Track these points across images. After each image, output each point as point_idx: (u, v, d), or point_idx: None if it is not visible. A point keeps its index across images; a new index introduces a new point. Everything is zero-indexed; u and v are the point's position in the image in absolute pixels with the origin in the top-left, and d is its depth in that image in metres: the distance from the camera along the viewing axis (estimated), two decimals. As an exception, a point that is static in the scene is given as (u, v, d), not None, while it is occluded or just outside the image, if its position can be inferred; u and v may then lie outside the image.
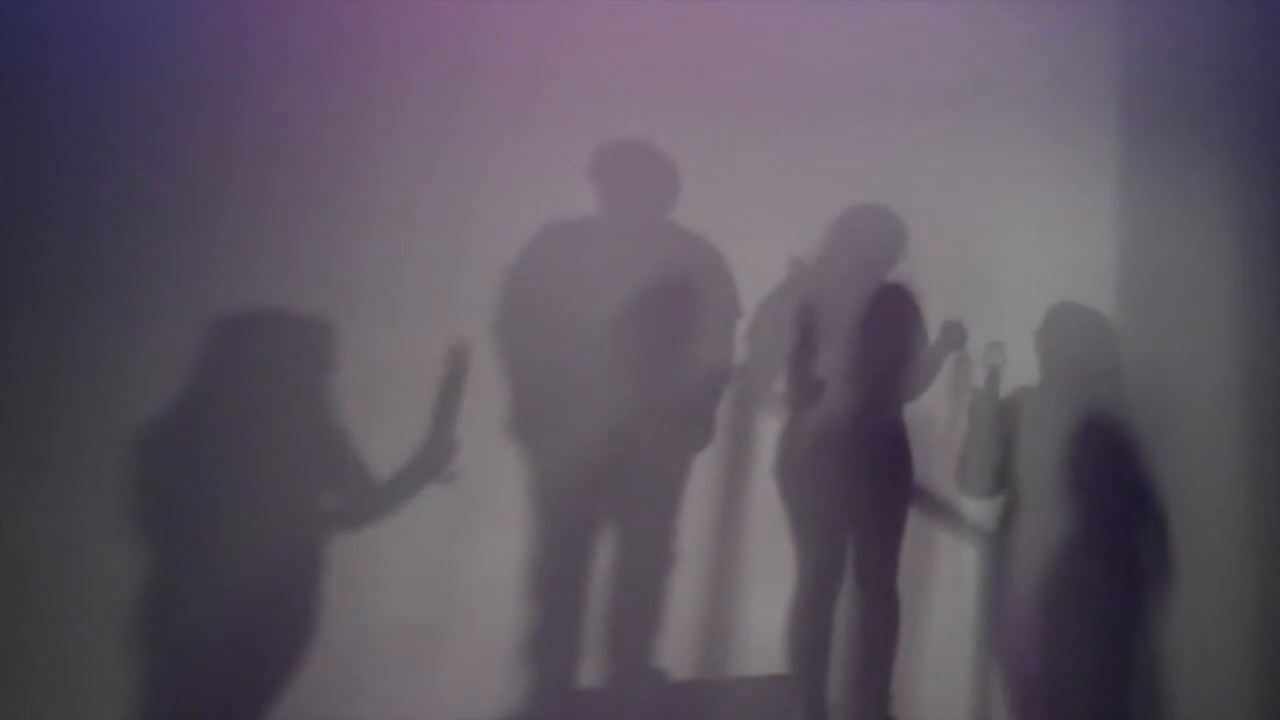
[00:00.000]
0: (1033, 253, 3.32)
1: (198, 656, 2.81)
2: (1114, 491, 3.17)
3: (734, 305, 3.20)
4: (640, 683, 3.08)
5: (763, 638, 3.13)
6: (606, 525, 3.12)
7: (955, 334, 3.18)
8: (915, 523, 3.18)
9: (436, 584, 3.01)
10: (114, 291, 2.97)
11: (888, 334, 3.20)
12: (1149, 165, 3.44)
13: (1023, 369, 3.23)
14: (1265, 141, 3.46)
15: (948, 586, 3.26)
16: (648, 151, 3.19)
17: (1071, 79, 3.45)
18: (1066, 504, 3.13)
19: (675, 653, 3.12)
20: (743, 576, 3.18)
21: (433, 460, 2.97)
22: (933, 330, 3.23)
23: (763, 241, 3.17)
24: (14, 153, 2.98)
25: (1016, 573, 3.15)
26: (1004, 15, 3.40)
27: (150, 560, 2.82)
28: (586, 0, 3.25)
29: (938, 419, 3.27)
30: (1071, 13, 3.45)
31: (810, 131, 3.27)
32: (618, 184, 3.19)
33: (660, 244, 3.17)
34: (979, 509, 3.26)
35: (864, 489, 3.12)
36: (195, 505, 2.84)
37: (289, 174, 3.08)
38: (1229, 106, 3.46)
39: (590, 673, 3.07)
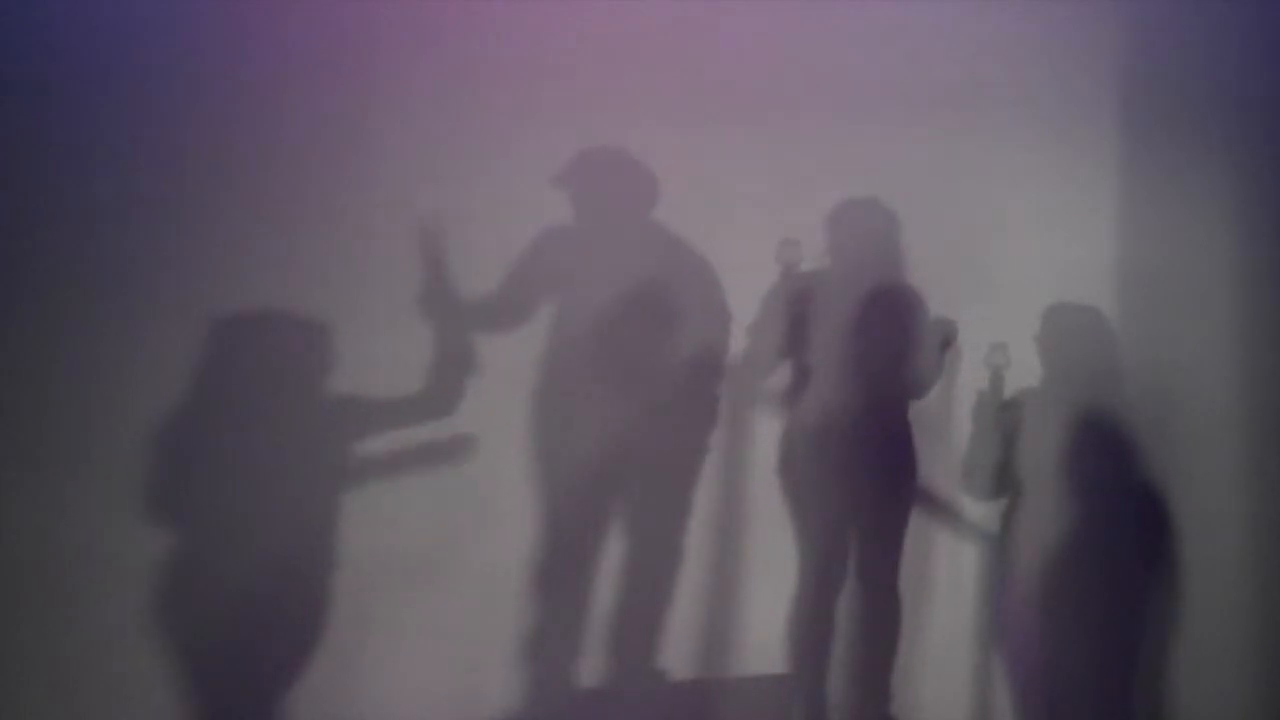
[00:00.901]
0: (1033, 253, 3.32)
1: (198, 656, 2.81)
2: (1115, 491, 3.17)
3: (735, 305, 3.20)
4: (641, 682, 3.08)
5: (763, 637, 3.13)
6: (606, 525, 3.12)
7: (944, 330, 3.18)
8: (916, 523, 3.18)
9: (436, 583, 3.01)
10: (114, 291, 2.98)
11: (889, 331, 3.19)
12: (1149, 165, 3.44)
13: (1024, 369, 3.23)
14: (1265, 141, 3.46)
15: (948, 586, 3.26)
16: (647, 152, 3.19)
17: (1071, 79, 3.44)
18: (1067, 503, 3.12)
19: (675, 652, 3.12)
20: (743, 576, 3.18)
21: (455, 359, 2.98)
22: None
23: (762, 241, 3.17)
24: (14, 153, 2.98)
25: (1017, 572, 3.16)
26: (1004, 15, 3.40)
27: (150, 560, 2.82)
28: (586, 0, 3.25)
29: (940, 419, 3.27)
30: (1071, 13, 3.44)
31: (810, 131, 3.27)
32: (618, 184, 3.19)
33: (661, 243, 3.17)
34: (981, 509, 3.26)
35: (866, 487, 3.12)
36: (195, 505, 2.84)
37: (289, 174, 3.09)
38: (1229, 106, 3.46)
39: (591, 672, 3.07)
